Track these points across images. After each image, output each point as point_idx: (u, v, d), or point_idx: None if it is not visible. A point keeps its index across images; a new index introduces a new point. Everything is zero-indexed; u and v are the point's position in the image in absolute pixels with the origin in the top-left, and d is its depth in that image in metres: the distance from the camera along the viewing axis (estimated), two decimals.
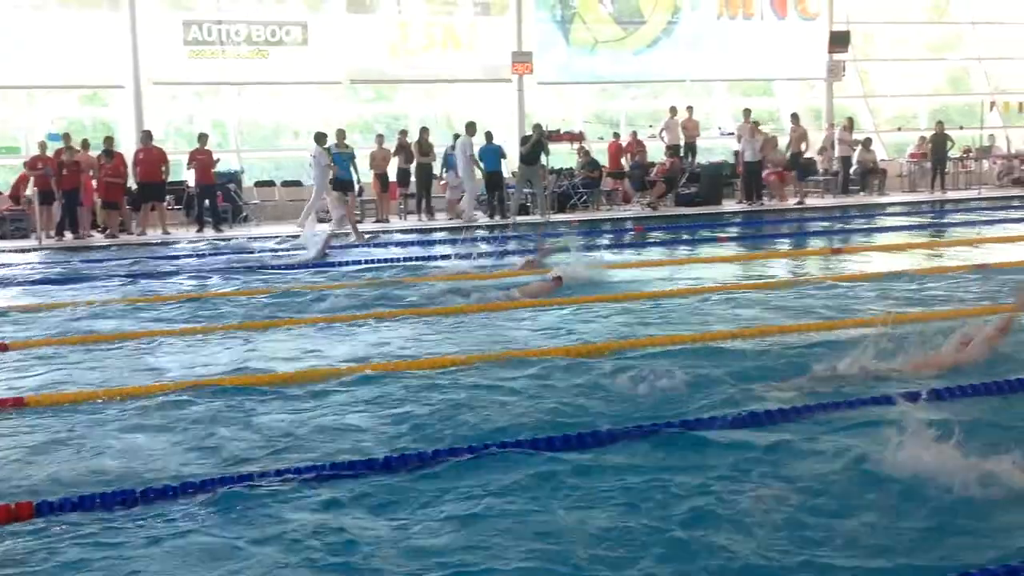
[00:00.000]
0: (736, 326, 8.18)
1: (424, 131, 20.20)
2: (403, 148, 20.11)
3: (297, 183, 21.15)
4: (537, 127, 19.98)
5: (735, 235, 16.47)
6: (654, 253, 14.30)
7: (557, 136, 21.61)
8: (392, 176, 20.30)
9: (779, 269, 12.02)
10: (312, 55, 21.34)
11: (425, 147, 20.02)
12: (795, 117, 22.00)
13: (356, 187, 19.76)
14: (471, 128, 19.78)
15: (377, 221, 19.87)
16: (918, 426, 4.65)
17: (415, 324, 8.86)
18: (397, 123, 21.77)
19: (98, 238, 18.06)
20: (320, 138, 18.69)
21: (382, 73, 22.32)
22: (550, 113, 22.51)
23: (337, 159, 19.28)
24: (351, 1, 22.00)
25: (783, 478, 4.66)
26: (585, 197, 20.96)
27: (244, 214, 20.23)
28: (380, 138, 20.39)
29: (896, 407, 5.04)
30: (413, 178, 20.26)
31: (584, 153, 21.45)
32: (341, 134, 19.39)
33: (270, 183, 21.16)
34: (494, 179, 20.01)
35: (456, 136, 20.24)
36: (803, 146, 21.82)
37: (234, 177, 20.36)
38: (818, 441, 5.15)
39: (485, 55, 22.61)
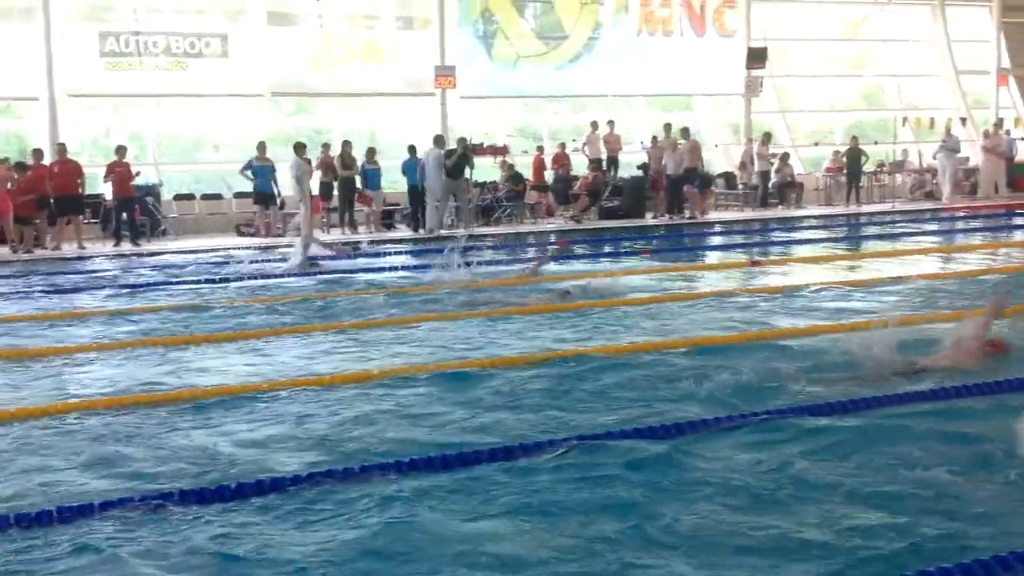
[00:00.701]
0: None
1: (347, 145, 20.10)
2: (325, 163, 19.99)
3: (218, 196, 20.88)
4: (461, 141, 20.01)
5: (659, 247, 16.65)
6: (578, 266, 14.37)
7: (481, 150, 21.68)
8: (315, 190, 20.17)
9: (701, 281, 12.16)
10: (232, 67, 21.09)
11: (348, 161, 19.92)
12: (685, 131, 21.73)
13: (278, 200, 19.64)
14: (439, 141, 19.93)
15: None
16: None
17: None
18: (319, 136, 21.61)
19: (5, 253, 17.44)
20: (299, 148, 18.70)
21: (304, 86, 22.16)
22: (473, 127, 22.55)
23: (258, 172, 19.16)
24: (272, 13, 21.81)
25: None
26: (509, 210, 21.03)
27: (163, 228, 19.90)
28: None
29: None
30: (336, 192, 20.15)
31: (508, 167, 21.55)
32: (262, 147, 19.28)
33: (190, 196, 20.85)
34: (418, 193, 20.01)
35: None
36: (695, 159, 21.32)
37: (152, 190, 20.02)
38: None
39: (408, 69, 22.58)
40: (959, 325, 7.32)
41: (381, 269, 13.66)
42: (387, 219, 21.13)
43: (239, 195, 20.62)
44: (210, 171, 21.91)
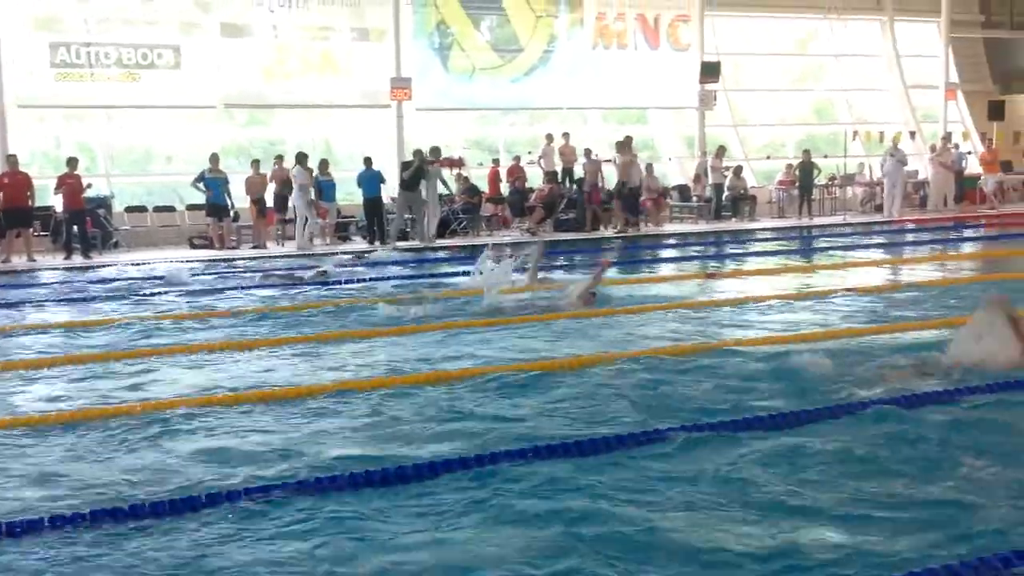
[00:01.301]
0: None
1: (302, 156, 20.02)
2: (278, 175, 19.89)
3: (170, 208, 20.70)
4: (418, 153, 20.00)
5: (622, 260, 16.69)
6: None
7: (437, 162, 21.63)
8: (269, 202, 20.08)
9: (656, 292, 12.21)
10: (185, 78, 20.92)
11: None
12: (621, 145, 21.53)
13: (231, 212, 19.53)
14: (436, 152, 20.09)
15: (254, 247, 19.58)
16: None
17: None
18: (273, 148, 21.51)
19: None
20: (301, 158, 19.02)
21: (257, 97, 22.05)
22: (429, 139, 22.52)
23: (211, 183, 19.04)
24: (225, 25, 21.66)
25: None
26: (465, 223, 21.04)
27: (114, 240, 19.69)
28: (256, 163, 20.13)
29: None
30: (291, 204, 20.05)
31: (463, 179, 21.56)
32: (215, 158, 19.18)
33: (141, 208, 20.63)
34: (373, 205, 19.97)
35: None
36: (624, 174, 21.19)
37: (104, 202, 19.81)
38: None
39: (363, 80, 22.55)
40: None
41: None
42: (342, 231, 21.05)
43: (192, 207, 20.45)
44: (162, 183, 21.73)
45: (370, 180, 19.91)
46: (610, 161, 22.15)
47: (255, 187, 19.74)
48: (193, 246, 19.70)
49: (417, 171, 19.56)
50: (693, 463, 5.20)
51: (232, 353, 8.66)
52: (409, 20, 22.84)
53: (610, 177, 21.95)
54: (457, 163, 21.59)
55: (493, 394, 6.85)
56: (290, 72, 22.10)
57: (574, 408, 6.44)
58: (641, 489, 4.85)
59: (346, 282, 13.57)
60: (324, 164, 20.38)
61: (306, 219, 19.54)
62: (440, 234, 20.44)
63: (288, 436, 5.97)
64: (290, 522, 4.56)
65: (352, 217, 21.26)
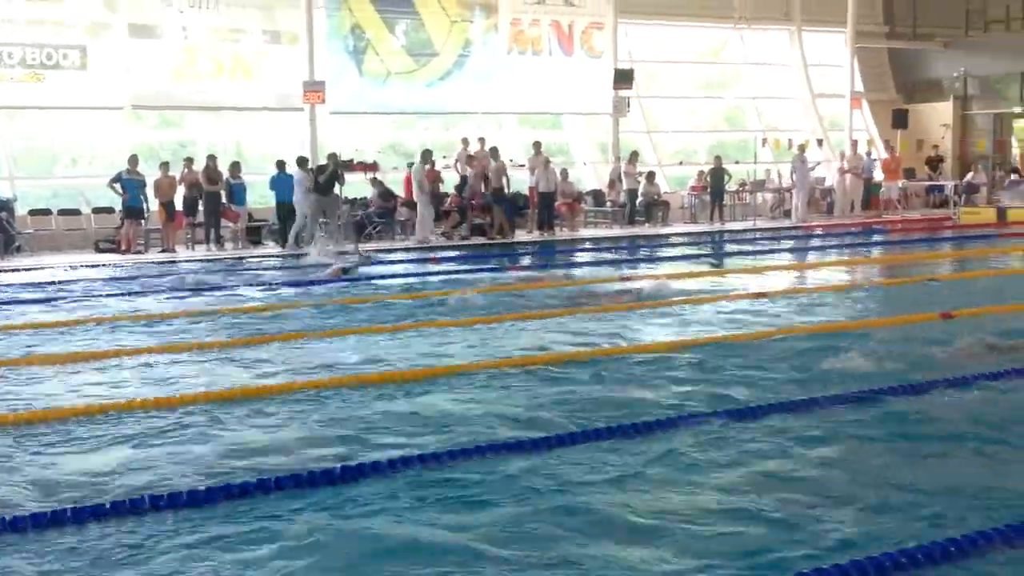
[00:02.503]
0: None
1: (212, 159, 19.72)
2: (188, 178, 19.56)
3: (75, 211, 20.19)
4: (332, 156, 19.83)
5: (530, 264, 16.77)
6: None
7: (352, 166, 21.45)
8: (179, 205, 19.73)
9: (568, 296, 12.26)
10: (92, 79, 20.44)
11: (213, 175, 19.54)
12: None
13: (146, 215, 19.19)
14: (426, 155, 20.43)
15: (163, 251, 19.22)
16: None
17: None
18: (184, 150, 21.14)
19: None
20: (302, 162, 19.33)
21: (167, 99, 21.63)
22: (344, 143, 22.33)
23: (128, 186, 18.68)
24: (133, 25, 21.22)
25: None
26: (380, 227, 20.90)
27: (17, 244, 19.14)
28: (165, 165, 19.73)
29: None
30: (201, 207, 19.73)
31: (378, 183, 21.42)
32: (133, 160, 18.85)
33: (46, 211, 20.08)
34: (287, 209, 19.74)
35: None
36: (503, 179, 21.26)
37: (6, 205, 19.21)
38: None
39: (276, 83, 22.27)
40: None
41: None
42: (254, 235, 20.77)
43: (98, 210, 20.00)
44: (67, 185, 21.20)
45: (283, 184, 19.69)
46: (523, 166, 22.22)
47: (164, 190, 19.36)
48: (99, 250, 19.27)
49: (332, 175, 19.42)
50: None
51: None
52: (322, 23, 22.63)
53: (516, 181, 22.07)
54: (372, 167, 21.43)
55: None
56: (200, 74, 21.73)
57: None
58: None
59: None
60: (236, 167, 20.11)
61: (306, 218, 19.55)
62: (355, 238, 20.28)
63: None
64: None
65: (264, 221, 20.99)
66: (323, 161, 20.12)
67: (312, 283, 13.87)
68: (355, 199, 21.21)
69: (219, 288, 13.63)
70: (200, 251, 19.34)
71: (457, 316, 10.36)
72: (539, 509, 4.59)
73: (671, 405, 6.42)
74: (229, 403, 6.71)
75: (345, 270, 14.95)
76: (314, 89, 21.86)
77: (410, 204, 22.02)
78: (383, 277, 14.58)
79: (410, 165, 22.82)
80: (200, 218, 19.83)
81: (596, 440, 5.63)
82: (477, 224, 21.44)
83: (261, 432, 6.05)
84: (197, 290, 13.44)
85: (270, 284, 13.85)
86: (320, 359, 8.24)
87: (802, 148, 25.23)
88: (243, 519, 4.56)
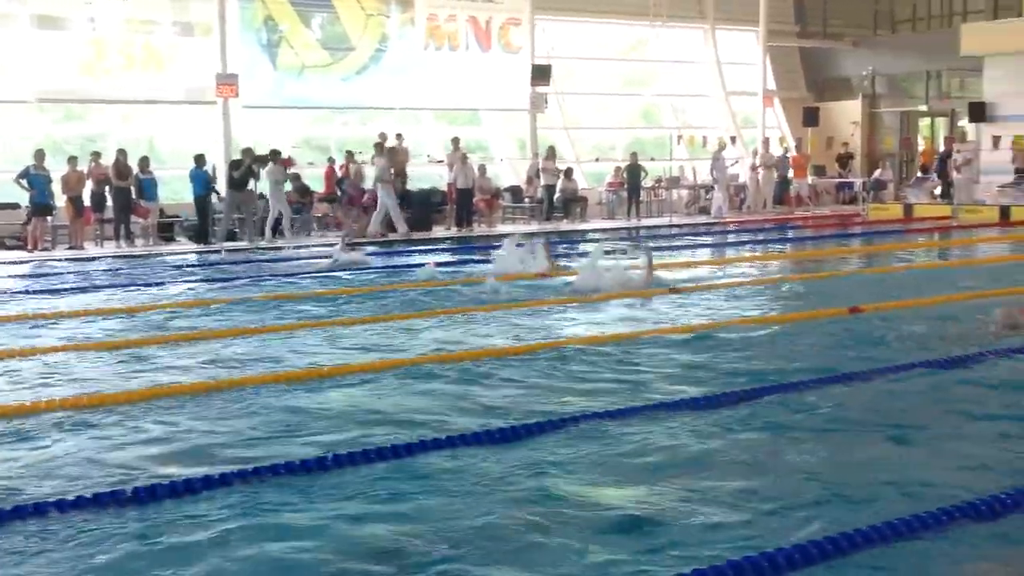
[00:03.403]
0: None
1: (121, 153, 19.30)
2: (95, 173, 19.12)
3: None
4: (247, 151, 19.55)
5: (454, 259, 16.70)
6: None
7: (267, 161, 21.15)
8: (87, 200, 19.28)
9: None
10: None
11: (122, 170, 19.12)
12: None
13: (54, 211, 18.72)
14: (390, 152, 20.45)
15: (71, 248, 18.76)
16: None
17: None
18: (92, 145, 20.65)
19: None
20: (275, 155, 19.78)
21: (74, 92, 21.12)
22: (258, 137, 22.04)
23: (35, 181, 18.19)
24: (39, 16, 20.66)
25: None
26: (296, 223, 20.68)
27: None
28: (73, 160, 19.24)
29: None
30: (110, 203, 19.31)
31: (295, 178, 21.17)
32: (40, 155, 18.37)
33: None
34: (202, 204, 19.42)
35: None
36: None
37: None
38: None
39: (188, 77, 21.89)
40: None
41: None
42: (165, 231, 20.38)
43: (3, 206, 19.44)
44: None
45: (200, 178, 19.36)
46: (441, 162, 22.18)
47: (72, 185, 18.88)
48: (5, 247, 18.74)
49: (247, 170, 19.17)
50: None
51: None
52: (235, 15, 22.29)
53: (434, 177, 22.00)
54: (287, 162, 21.17)
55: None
56: (110, 67, 21.26)
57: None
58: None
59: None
60: (145, 162, 19.70)
61: (280, 213, 19.66)
62: (271, 234, 20.07)
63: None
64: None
65: (177, 217, 20.61)
66: (237, 156, 19.86)
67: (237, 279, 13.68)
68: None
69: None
70: (110, 248, 18.92)
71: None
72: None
73: (578, 401, 6.45)
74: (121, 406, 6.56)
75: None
76: (227, 82, 21.53)
77: (329, 199, 21.84)
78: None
79: (330, 160, 22.66)
80: (109, 214, 19.40)
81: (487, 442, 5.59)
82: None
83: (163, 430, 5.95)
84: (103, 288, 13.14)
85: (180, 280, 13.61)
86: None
87: (722, 145, 25.60)
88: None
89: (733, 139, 28.22)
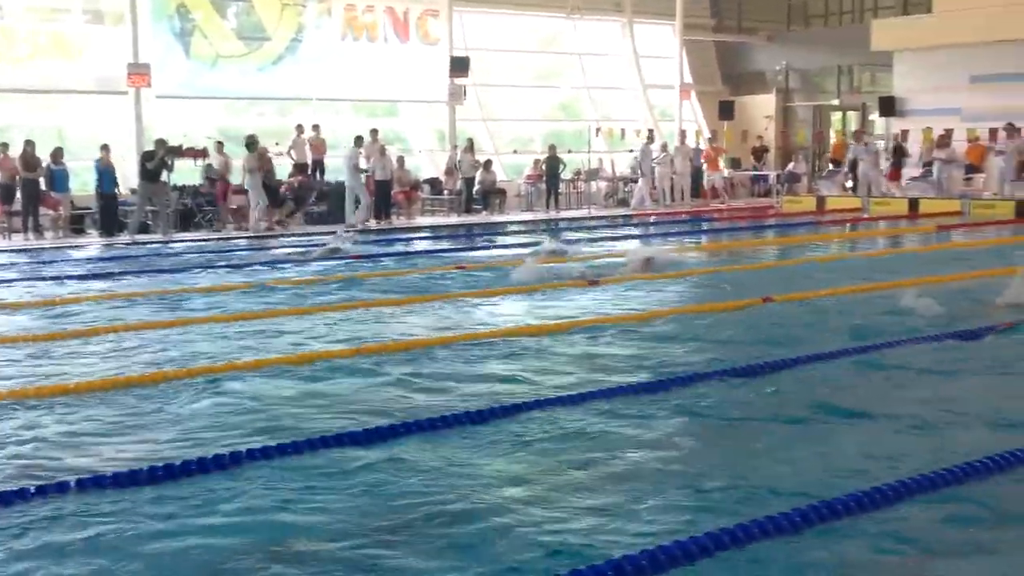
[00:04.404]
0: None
1: (29, 144, 18.79)
2: (1, 165, 18.63)
3: None
4: (160, 142, 19.18)
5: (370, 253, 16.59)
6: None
7: (181, 152, 20.79)
8: None
9: (406, 283, 12.20)
10: None
11: (31, 162, 18.62)
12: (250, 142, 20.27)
13: None
14: (359, 141, 20.67)
15: None
16: None
17: None
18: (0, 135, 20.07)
19: None
20: (251, 143, 19.63)
21: None
22: (172, 128, 21.63)
23: None
24: None
25: None
26: (210, 215, 20.36)
27: None
28: None
29: None
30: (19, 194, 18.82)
31: (207, 169, 20.83)
32: None
33: None
34: (114, 196, 19.03)
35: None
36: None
37: None
38: None
39: (99, 66, 21.41)
40: None
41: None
42: (76, 223, 19.91)
43: None
44: None
45: (104, 171, 18.95)
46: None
47: None
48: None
49: (160, 162, 18.83)
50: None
51: None
52: (147, 4, 21.83)
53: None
54: (201, 154, 20.82)
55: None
56: (18, 56, 20.72)
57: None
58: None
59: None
60: (57, 153, 19.19)
61: (258, 203, 19.79)
62: (183, 227, 19.73)
63: None
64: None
65: (88, 208, 20.15)
66: (151, 147, 19.50)
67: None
68: (183, 187, 20.58)
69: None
70: (17, 240, 18.43)
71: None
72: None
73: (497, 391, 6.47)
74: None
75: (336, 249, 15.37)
76: (139, 72, 21.10)
77: (243, 191, 21.51)
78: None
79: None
80: (17, 206, 18.88)
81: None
82: (313, 213, 21.14)
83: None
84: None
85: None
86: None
87: (650, 137, 25.82)
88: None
89: (651, 132, 28.41)
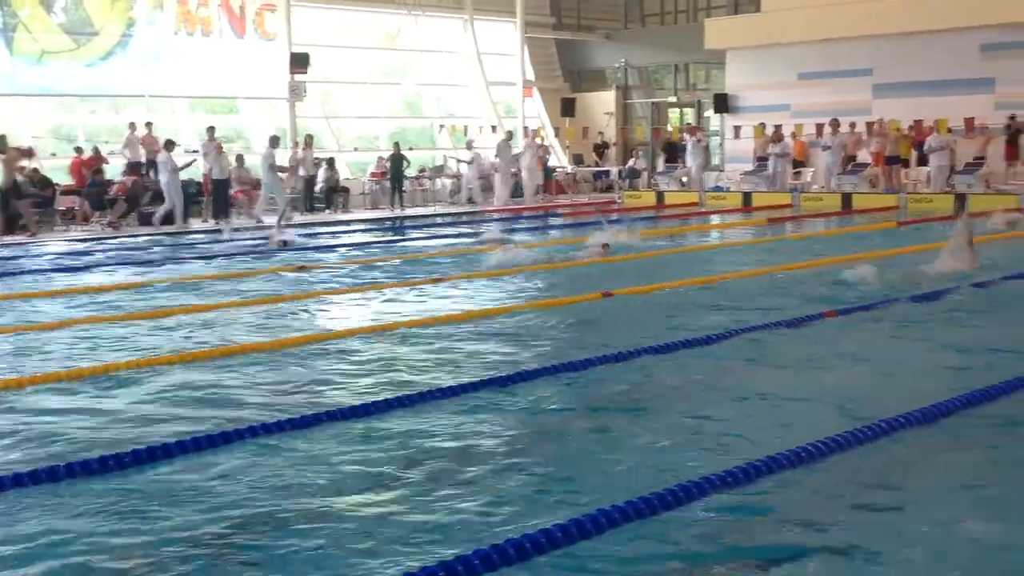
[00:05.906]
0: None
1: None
2: None
3: None
4: None
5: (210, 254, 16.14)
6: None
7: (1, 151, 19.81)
8: None
9: (251, 285, 11.94)
10: None
11: None
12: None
13: None
14: (275, 141, 21.14)
15: None
16: None
17: None
18: None
19: None
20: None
21: None
22: None
23: None
24: None
25: None
26: (37, 217, 19.48)
27: None
28: None
29: None
30: None
31: (34, 170, 19.93)
32: None
33: None
34: None
35: None
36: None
37: None
38: None
39: None
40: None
41: None
42: None
43: None
44: None
45: None
46: (196, 152, 21.48)
47: None
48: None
49: None
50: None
51: None
52: None
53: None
54: (26, 153, 19.90)
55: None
56: None
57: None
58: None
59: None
60: None
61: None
62: (9, 229, 18.83)
63: None
64: None
65: None
66: None
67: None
68: (2, 189, 19.60)
69: None
70: None
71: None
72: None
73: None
74: None
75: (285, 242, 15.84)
76: None
77: (74, 192, 20.72)
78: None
79: (77, 150, 21.52)
80: None
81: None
82: (148, 213, 20.47)
83: None
84: None
85: None
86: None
87: (509, 134, 25.91)
88: None
89: (494, 128, 28.58)
